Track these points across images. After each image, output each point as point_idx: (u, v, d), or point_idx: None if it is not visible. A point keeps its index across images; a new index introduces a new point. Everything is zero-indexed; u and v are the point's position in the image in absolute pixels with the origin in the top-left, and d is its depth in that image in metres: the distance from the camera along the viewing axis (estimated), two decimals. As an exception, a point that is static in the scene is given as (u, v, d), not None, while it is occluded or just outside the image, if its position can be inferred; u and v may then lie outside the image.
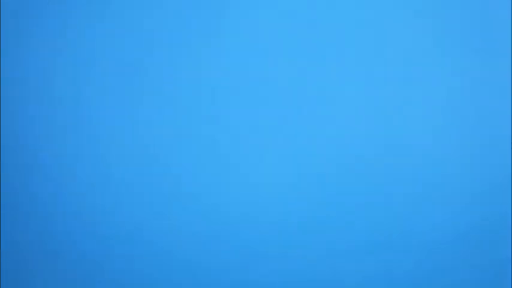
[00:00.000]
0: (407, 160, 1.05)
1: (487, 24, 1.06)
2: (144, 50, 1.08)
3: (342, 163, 1.04)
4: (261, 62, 1.07)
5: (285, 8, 1.08)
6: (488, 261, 1.04)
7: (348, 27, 1.07)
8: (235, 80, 1.07)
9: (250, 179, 1.06)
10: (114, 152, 1.07)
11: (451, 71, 1.06)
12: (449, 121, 1.04)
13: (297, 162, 1.06)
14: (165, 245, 1.06)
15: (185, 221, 1.06)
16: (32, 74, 1.08)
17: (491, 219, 1.04)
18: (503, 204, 1.04)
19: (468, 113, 1.04)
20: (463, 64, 1.06)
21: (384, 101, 1.05)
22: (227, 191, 1.06)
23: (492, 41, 1.06)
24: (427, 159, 1.05)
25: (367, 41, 1.07)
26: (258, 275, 1.06)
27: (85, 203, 1.07)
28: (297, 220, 1.06)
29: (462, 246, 1.04)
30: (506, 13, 1.06)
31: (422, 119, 1.04)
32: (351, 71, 1.06)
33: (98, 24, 1.09)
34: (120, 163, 1.07)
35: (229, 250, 1.06)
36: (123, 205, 1.07)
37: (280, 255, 1.05)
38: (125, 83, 1.08)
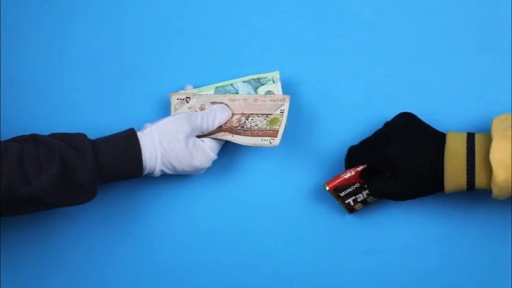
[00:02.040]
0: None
1: (487, 23, 1.06)
2: (143, 50, 1.08)
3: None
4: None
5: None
6: (488, 261, 1.04)
7: (346, 27, 1.07)
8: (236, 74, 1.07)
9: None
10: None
11: (451, 70, 1.06)
12: (451, 119, 1.04)
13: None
14: (167, 245, 1.06)
15: (187, 222, 1.07)
16: (32, 74, 1.08)
17: (491, 219, 1.04)
18: (503, 205, 1.04)
19: (469, 111, 1.04)
20: (463, 63, 1.06)
21: (384, 99, 1.05)
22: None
23: (492, 41, 1.06)
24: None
25: (368, 42, 1.07)
26: (256, 270, 1.06)
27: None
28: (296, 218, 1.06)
29: (462, 246, 1.04)
30: (506, 13, 1.06)
31: (424, 117, 1.04)
32: (351, 72, 1.06)
33: (97, 24, 1.09)
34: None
35: (230, 249, 1.06)
36: (123, 204, 1.07)
37: (279, 251, 1.06)
38: (124, 82, 1.08)
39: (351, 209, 1.03)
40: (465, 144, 0.93)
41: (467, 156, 0.92)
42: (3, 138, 1.05)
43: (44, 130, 1.03)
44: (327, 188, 1.02)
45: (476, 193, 1.03)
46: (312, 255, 1.05)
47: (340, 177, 1.02)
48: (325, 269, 1.05)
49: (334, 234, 1.05)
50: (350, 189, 1.02)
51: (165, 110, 1.05)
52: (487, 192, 1.04)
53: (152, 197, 1.06)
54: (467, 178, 0.93)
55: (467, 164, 0.92)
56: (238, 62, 1.07)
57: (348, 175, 1.01)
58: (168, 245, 1.06)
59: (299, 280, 1.05)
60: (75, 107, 1.07)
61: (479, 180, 0.93)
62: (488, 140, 0.92)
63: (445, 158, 0.93)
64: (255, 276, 1.06)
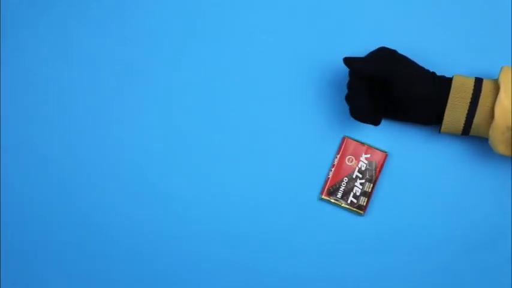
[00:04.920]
0: (408, 161, 1.05)
1: (487, 23, 1.06)
2: (143, 50, 1.08)
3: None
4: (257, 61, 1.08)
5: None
6: (488, 261, 1.04)
7: (348, 26, 1.07)
8: (234, 76, 1.07)
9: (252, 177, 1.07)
10: (114, 151, 1.07)
11: (451, 71, 1.06)
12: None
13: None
14: (166, 244, 1.07)
15: (187, 220, 1.07)
16: (32, 74, 1.08)
17: (492, 217, 1.04)
18: (503, 204, 1.04)
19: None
20: (463, 63, 1.06)
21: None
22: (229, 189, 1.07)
23: (492, 41, 1.06)
24: (429, 163, 1.05)
25: (368, 41, 1.07)
26: (258, 272, 1.06)
27: (85, 203, 1.07)
28: (298, 218, 1.06)
29: (462, 246, 1.04)
30: (506, 12, 1.06)
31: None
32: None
33: (99, 23, 1.09)
34: (121, 162, 1.07)
35: (231, 248, 1.06)
36: (124, 204, 1.07)
37: (280, 250, 1.06)
38: (124, 82, 1.08)
39: (359, 207, 1.03)
40: (473, 81, 0.97)
41: (474, 87, 0.96)
42: (3, 138, 1.06)
43: (44, 130, 1.04)
44: (323, 197, 1.03)
45: (476, 188, 1.04)
46: (315, 255, 1.05)
47: (327, 180, 1.03)
48: (327, 268, 1.05)
49: (337, 234, 1.05)
50: (343, 187, 1.03)
51: (163, 109, 1.05)
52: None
53: (153, 194, 1.07)
54: (470, 99, 0.95)
55: (474, 86, 0.96)
56: (238, 62, 1.07)
57: (331, 172, 1.03)
58: (169, 244, 1.06)
59: (301, 280, 1.05)
60: (74, 105, 1.08)
61: (483, 98, 0.95)
62: (495, 80, 0.96)
63: (451, 88, 0.96)
64: (257, 276, 1.06)
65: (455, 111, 0.96)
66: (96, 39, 1.09)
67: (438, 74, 1.05)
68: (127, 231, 1.07)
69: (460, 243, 1.04)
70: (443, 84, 0.97)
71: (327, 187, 1.03)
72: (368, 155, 1.03)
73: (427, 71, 0.99)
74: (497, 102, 0.94)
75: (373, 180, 1.03)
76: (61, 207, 1.07)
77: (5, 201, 1.07)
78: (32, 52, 1.09)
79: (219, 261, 1.06)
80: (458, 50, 1.06)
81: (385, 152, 1.04)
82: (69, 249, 1.07)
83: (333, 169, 1.03)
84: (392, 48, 1.06)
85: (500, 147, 0.96)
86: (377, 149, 1.04)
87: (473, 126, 0.97)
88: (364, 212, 1.03)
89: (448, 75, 1.05)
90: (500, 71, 0.96)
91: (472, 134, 0.98)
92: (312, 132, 1.06)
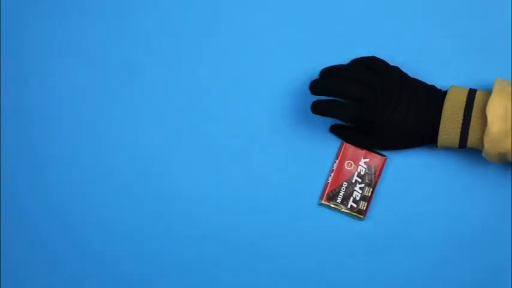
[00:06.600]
0: (407, 165, 1.05)
1: (487, 24, 1.06)
2: (143, 50, 1.08)
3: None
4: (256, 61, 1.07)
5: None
6: (488, 261, 1.04)
7: (349, 25, 1.07)
8: (231, 79, 1.07)
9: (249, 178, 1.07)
10: (114, 152, 1.07)
11: (451, 70, 1.05)
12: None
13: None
14: (165, 244, 1.07)
15: (185, 220, 1.07)
16: (32, 74, 1.08)
17: (491, 219, 1.04)
18: (503, 204, 1.04)
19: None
20: (464, 63, 1.05)
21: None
22: (226, 189, 1.07)
23: (492, 41, 1.06)
24: (428, 166, 1.05)
25: (369, 41, 1.06)
26: (257, 274, 1.06)
27: (84, 203, 1.07)
28: (297, 218, 1.06)
29: (462, 246, 1.04)
30: (506, 13, 1.05)
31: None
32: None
33: (98, 24, 1.08)
34: (120, 163, 1.07)
35: (229, 249, 1.07)
36: (123, 205, 1.07)
37: (280, 255, 1.06)
38: (124, 82, 1.08)
39: (358, 212, 1.03)
40: (466, 96, 0.96)
41: (465, 106, 0.95)
42: (3, 138, 1.06)
43: (44, 130, 1.03)
44: (322, 202, 1.03)
45: (476, 190, 1.04)
46: (315, 260, 1.06)
47: (326, 185, 1.04)
48: (327, 273, 1.06)
49: (337, 239, 1.06)
50: (343, 192, 1.03)
51: (163, 111, 1.05)
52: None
53: (153, 196, 1.07)
54: (462, 125, 0.95)
55: (464, 114, 0.95)
56: (237, 64, 1.06)
57: (331, 177, 1.03)
58: (168, 247, 1.06)
59: (302, 285, 1.06)
60: (75, 106, 1.07)
61: (473, 130, 0.95)
62: (488, 95, 0.96)
63: (444, 106, 0.96)
64: (258, 281, 1.06)
65: (446, 141, 0.97)
66: (96, 39, 1.08)
67: (439, 73, 1.05)
68: (127, 231, 1.07)
69: (460, 245, 1.04)
70: (437, 102, 0.97)
71: (326, 192, 1.03)
72: (367, 160, 1.03)
73: (421, 87, 0.99)
74: (485, 134, 0.94)
75: (373, 185, 1.03)
76: (61, 207, 1.07)
77: (5, 201, 1.07)
78: (32, 52, 1.08)
79: (218, 267, 1.06)
80: (458, 50, 1.06)
81: (384, 156, 1.04)
82: (69, 250, 1.07)
83: (332, 174, 1.03)
84: (392, 49, 1.05)
85: (495, 161, 0.97)
86: (376, 153, 1.04)
87: (467, 146, 0.98)
88: (364, 216, 1.04)
89: (447, 75, 1.05)
90: (489, 100, 0.95)
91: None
92: (311, 137, 1.06)
